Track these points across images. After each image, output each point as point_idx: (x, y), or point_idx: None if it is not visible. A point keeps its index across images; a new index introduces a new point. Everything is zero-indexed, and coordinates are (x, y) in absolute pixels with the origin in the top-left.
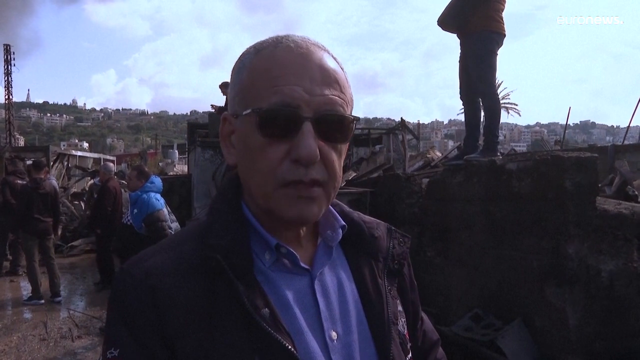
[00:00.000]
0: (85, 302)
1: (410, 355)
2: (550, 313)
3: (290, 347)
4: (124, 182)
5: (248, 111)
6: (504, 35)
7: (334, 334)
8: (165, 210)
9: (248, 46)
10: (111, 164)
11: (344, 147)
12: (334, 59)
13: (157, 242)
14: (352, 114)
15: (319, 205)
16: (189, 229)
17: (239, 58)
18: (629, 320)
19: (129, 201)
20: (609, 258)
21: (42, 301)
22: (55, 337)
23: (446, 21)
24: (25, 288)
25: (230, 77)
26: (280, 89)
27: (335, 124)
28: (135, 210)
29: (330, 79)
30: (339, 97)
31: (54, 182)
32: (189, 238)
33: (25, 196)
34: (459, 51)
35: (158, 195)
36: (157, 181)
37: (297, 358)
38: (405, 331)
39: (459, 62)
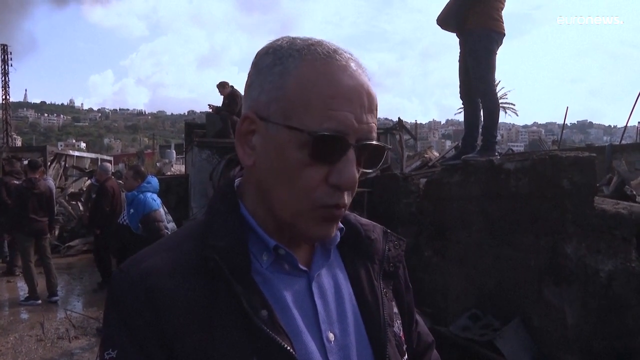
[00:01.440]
0: (82, 302)
1: (406, 356)
2: (549, 312)
3: (289, 348)
4: (121, 182)
5: (293, 126)
6: (504, 35)
7: (331, 336)
8: (162, 211)
9: (280, 41)
10: (108, 164)
11: None
12: (370, 81)
13: (153, 242)
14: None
15: (338, 224)
16: (186, 228)
17: (274, 54)
18: (627, 319)
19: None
20: (607, 258)
21: (39, 301)
22: (52, 337)
23: (445, 20)
24: (22, 288)
25: (254, 71)
26: (335, 115)
27: (374, 153)
28: (132, 211)
29: (373, 106)
30: (375, 124)
31: (51, 182)
32: (187, 238)
33: (20, 196)
34: (459, 50)
35: (155, 196)
36: (154, 181)
37: (295, 359)
38: (401, 333)
39: (459, 61)
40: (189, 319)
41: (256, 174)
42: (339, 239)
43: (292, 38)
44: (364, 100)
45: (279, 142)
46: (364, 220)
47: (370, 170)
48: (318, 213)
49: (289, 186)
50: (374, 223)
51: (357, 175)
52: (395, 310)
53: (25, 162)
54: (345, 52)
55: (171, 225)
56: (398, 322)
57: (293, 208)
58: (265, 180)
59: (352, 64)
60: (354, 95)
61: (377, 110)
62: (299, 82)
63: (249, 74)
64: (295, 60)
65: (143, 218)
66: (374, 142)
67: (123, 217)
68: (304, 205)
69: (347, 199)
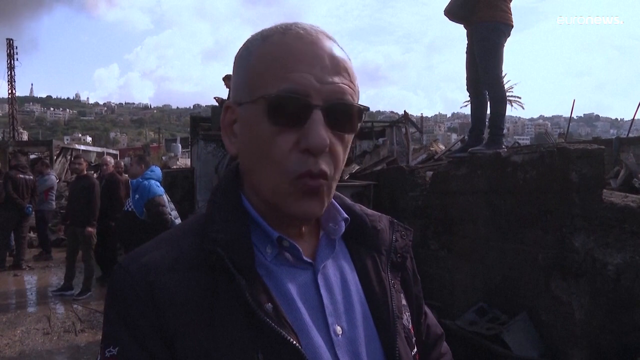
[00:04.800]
0: (88, 296)
1: (415, 349)
2: (556, 307)
3: (294, 342)
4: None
5: (255, 98)
6: (511, 26)
7: (338, 329)
8: (166, 197)
9: (252, 34)
10: (109, 157)
11: (350, 139)
12: (341, 49)
13: (158, 228)
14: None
15: (323, 199)
16: (188, 222)
17: (244, 45)
18: (635, 314)
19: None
20: (615, 251)
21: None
22: (58, 331)
23: (453, 11)
24: (29, 282)
25: (233, 65)
26: (290, 76)
27: (345, 113)
28: (137, 196)
29: (340, 67)
30: (348, 85)
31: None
32: (188, 232)
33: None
34: (466, 42)
35: (158, 183)
36: (157, 170)
37: (301, 353)
38: (410, 325)
39: (466, 53)
40: (190, 314)
41: (242, 161)
42: (343, 230)
43: (265, 28)
44: (325, 62)
45: (248, 119)
46: (370, 211)
47: (346, 134)
48: (295, 187)
49: (262, 160)
50: (380, 213)
51: (333, 141)
52: (404, 302)
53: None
54: (305, 24)
55: (174, 214)
56: (407, 314)
57: (270, 183)
58: (247, 164)
59: (312, 31)
60: (312, 58)
61: (348, 73)
62: (259, 59)
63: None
64: (258, 42)
65: (147, 203)
66: (342, 102)
67: (128, 204)
68: (280, 179)
69: (324, 166)
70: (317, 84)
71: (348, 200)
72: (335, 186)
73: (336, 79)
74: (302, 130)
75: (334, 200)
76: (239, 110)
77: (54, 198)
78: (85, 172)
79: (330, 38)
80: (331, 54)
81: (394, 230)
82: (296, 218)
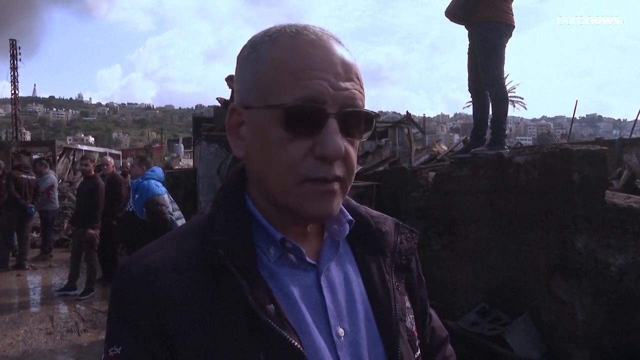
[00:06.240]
0: (91, 296)
1: (419, 352)
2: (558, 307)
3: (296, 344)
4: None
5: (268, 105)
6: (513, 27)
7: (341, 331)
8: (166, 197)
9: (255, 34)
10: (110, 158)
11: (358, 141)
12: (350, 52)
13: (158, 227)
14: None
15: (338, 200)
16: (191, 223)
17: (250, 45)
18: (637, 315)
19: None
20: (617, 252)
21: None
22: (61, 330)
23: (454, 12)
24: (32, 282)
25: (237, 66)
26: (305, 84)
27: (358, 120)
28: (137, 196)
29: (351, 73)
30: (359, 91)
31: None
32: (190, 233)
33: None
34: (468, 43)
35: (159, 183)
36: (158, 170)
37: (303, 355)
38: (414, 328)
39: (468, 54)
40: (190, 314)
41: (250, 164)
42: (347, 231)
43: (269, 27)
44: (338, 69)
45: (261, 124)
46: (375, 213)
47: (359, 140)
48: (306, 188)
49: (276, 166)
50: (385, 215)
51: (345, 145)
52: (408, 304)
53: (35, 157)
54: (316, 27)
55: (177, 214)
56: (410, 316)
57: (282, 186)
58: (256, 167)
59: (324, 36)
60: (326, 64)
61: (359, 78)
62: (271, 63)
63: (235, 70)
64: (267, 44)
65: (146, 202)
66: (357, 109)
67: (129, 204)
68: (290, 181)
69: (339, 170)
70: (332, 90)
71: (353, 202)
72: (350, 186)
73: (348, 85)
74: (318, 138)
75: None
76: (247, 114)
77: (56, 197)
78: (93, 173)
79: (339, 42)
80: (343, 60)
81: (399, 232)
82: (311, 218)
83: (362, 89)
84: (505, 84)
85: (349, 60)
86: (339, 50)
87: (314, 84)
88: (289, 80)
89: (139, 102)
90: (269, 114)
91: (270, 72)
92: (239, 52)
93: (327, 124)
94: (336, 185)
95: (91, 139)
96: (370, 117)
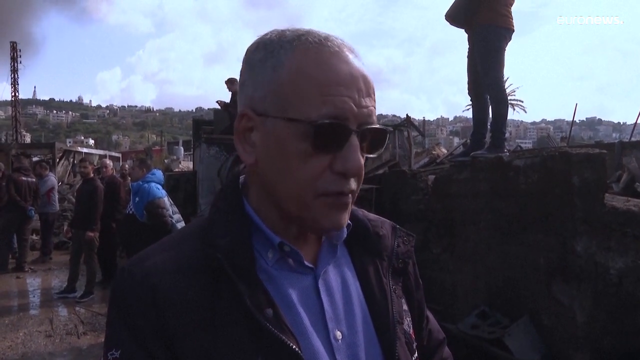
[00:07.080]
0: (90, 298)
1: (416, 355)
2: (558, 310)
3: (294, 347)
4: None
5: (291, 117)
6: (513, 31)
7: (338, 334)
8: (167, 200)
9: (269, 35)
10: (108, 160)
11: None
12: (364, 64)
13: (158, 230)
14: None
15: (349, 211)
16: (190, 226)
17: (264, 48)
18: (637, 318)
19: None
20: (617, 255)
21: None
22: (60, 333)
23: (454, 16)
24: (32, 284)
25: (247, 68)
26: (331, 100)
27: (374, 137)
28: (137, 199)
29: (370, 90)
30: (374, 106)
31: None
32: (190, 236)
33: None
34: (467, 46)
35: (159, 186)
36: (158, 173)
37: (301, 358)
38: (411, 330)
39: (468, 57)
40: (191, 318)
41: (259, 171)
42: (345, 235)
43: (281, 30)
44: (361, 85)
45: (279, 135)
46: (372, 216)
47: (373, 155)
48: (323, 201)
49: (293, 178)
50: (383, 219)
51: (363, 161)
52: (405, 307)
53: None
54: (337, 38)
55: (177, 217)
56: (408, 319)
57: (299, 200)
58: (269, 176)
59: (345, 49)
60: (350, 80)
61: (374, 94)
62: (293, 73)
63: (241, 72)
64: (287, 51)
65: (147, 205)
66: (376, 126)
67: (130, 207)
68: (308, 195)
69: (353, 184)
70: (355, 108)
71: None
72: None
73: (368, 102)
74: (339, 154)
75: None
76: (260, 121)
77: (56, 200)
78: (92, 176)
79: (357, 55)
80: (363, 75)
81: (397, 236)
82: (324, 231)
83: (375, 102)
84: (505, 87)
85: (368, 76)
86: (359, 63)
87: (339, 102)
88: (313, 93)
89: (139, 105)
90: (290, 126)
91: (292, 82)
92: (245, 53)
93: (350, 141)
94: (349, 199)
95: (91, 142)
96: (385, 134)
